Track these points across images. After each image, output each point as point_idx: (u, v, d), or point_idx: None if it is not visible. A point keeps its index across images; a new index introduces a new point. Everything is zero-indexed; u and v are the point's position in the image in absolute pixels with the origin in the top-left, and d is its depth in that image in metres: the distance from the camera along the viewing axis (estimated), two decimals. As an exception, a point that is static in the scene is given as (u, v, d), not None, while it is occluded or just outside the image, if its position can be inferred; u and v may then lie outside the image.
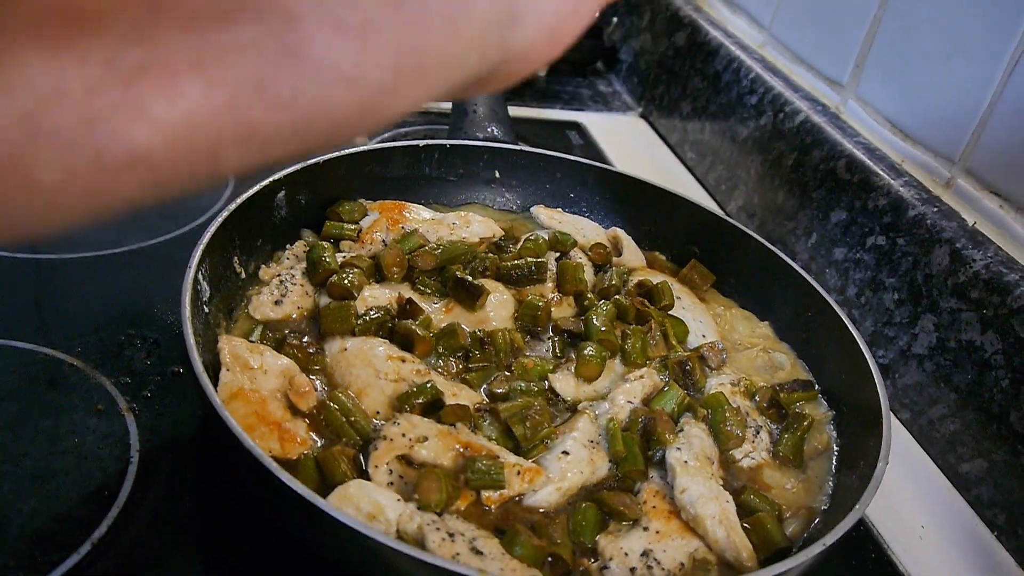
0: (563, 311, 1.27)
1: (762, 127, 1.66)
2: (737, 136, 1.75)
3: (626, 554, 0.90)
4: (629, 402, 1.09)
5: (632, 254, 1.41)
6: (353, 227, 1.32)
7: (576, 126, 2.04)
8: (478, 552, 0.85)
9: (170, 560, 0.92)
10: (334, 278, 1.17)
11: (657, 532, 0.93)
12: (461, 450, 0.96)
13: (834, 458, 1.11)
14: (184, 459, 1.03)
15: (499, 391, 1.09)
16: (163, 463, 1.00)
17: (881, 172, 1.37)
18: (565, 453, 1.00)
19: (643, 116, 2.16)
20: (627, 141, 2.00)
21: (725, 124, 1.80)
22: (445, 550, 0.84)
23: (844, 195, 1.43)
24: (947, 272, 1.22)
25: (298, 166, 1.28)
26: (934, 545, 1.11)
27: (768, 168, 1.64)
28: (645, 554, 0.91)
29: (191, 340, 0.93)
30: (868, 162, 1.40)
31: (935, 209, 1.28)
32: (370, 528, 0.76)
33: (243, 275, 1.20)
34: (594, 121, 2.06)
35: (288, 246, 1.28)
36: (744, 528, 0.95)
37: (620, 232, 1.43)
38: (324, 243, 1.25)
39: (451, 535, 0.86)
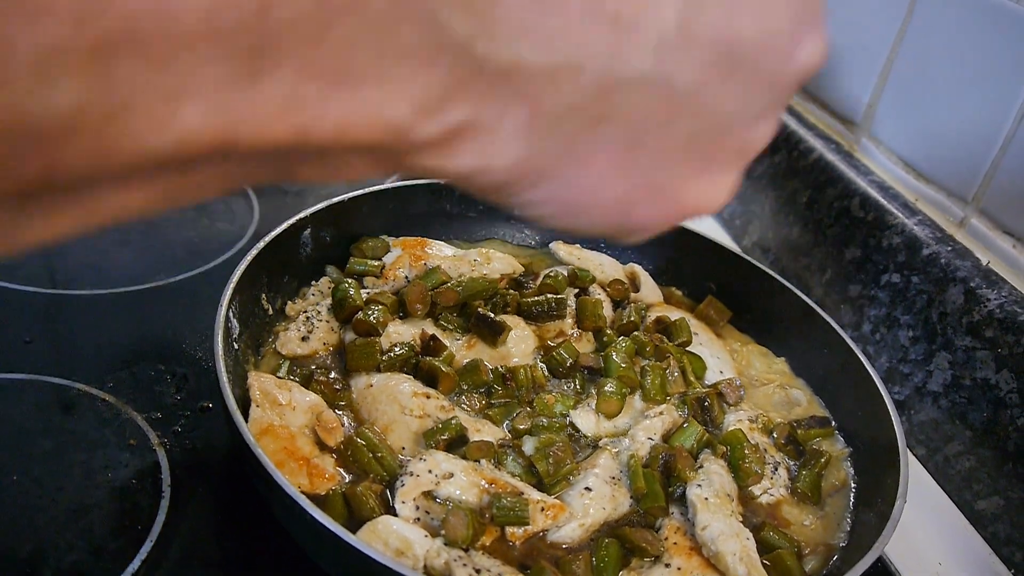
0: (583, 347, 1.29)
1: (776, 164, 1.69)
2: (753, 172, 1.78)
3: (648, 591, 0.92)
4: (649, 439, 1.11)
5: (650, 290, 1.43)
6: (376, 263, 1.34)
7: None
8: (504, 588, 0.87)
9: (201, 594, 0.93)
10: (360, 315, 1.19)
11: (679, 569, 0.95)
12: (486, 486, 0.98)
13: (852, 494, 1.13)
14: (214, 493, 1.05)
15: (521, 427, 1.11)
16: (194, 497, 1.03)
17: (895, 210, 1.40)
18: (588, 489, 1.02)
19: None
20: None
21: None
22: (472, 586, 0.86)
23: (858, 232, 1.45)
24: (961, 311, 1.24)
25: (323, 204, 1.31)
26: (951, 582, 1.12)
27: (783, 204, 1.66)
28: (667, 591, 0.92)
29: (224, 378, 0.96)
30: (882, 200, 1.43)
31: (949, 248, 1.30)
32: (400, 564, 0.79)
33: (270, 311, 1.23)
34: (609, 156, 2.09)
35: (313, 282, 1.31)
36: (764, 565, 0.97)
37: (637, 268, 1.46)
38: (349, 280, 1.27)
39: (478, 571, 0.88)
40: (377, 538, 0.90)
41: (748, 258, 1.40)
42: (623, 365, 1.20)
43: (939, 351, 1.28)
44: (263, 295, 1.21)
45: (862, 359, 1.20)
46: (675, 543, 0.98)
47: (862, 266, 1.44)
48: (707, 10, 0.36)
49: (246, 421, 1.01)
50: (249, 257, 1.16)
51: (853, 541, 1.04)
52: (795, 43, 0.39)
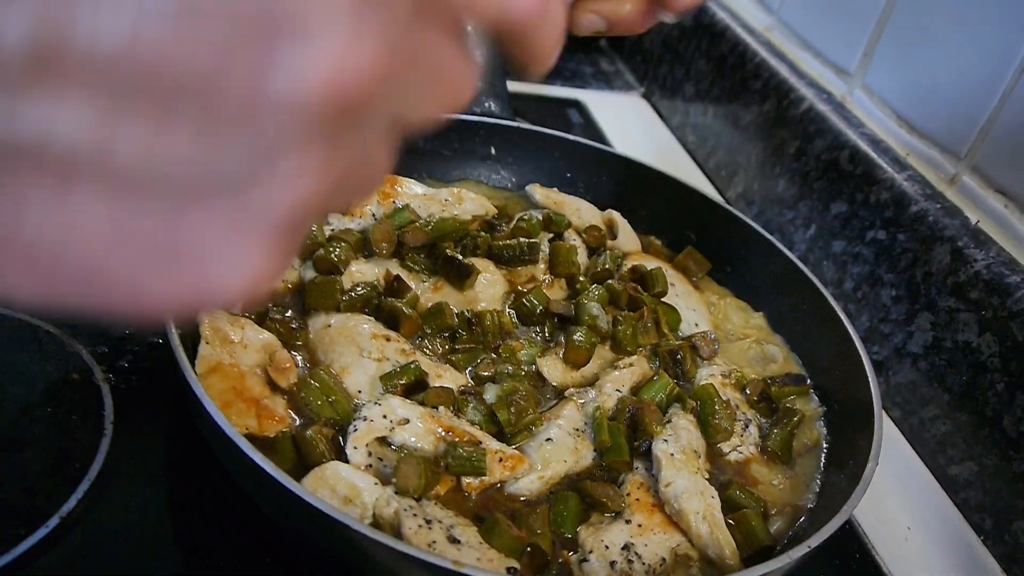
0: (554, 294, 1.24)
1: (765, 113, 1.63)
2: (740, 121, 1.72)
3: (607, 547, 0.88)
4: (617, 390, 1.07)
5: (627, 238, 1.38)
6: (343, 200, 1.28)
7: (576, 104, 2.00)
8: (455, 540, 0.83)
9: (142, 538, 0.89)
10: (320, 252, 1.14)
11: (639, 525, 0.91)
12: (443, 434, 0.94)
13: (823, 455, 1.09)
14: (160, 433, 1.00)
15: (485, 374, 1.07)
16: (138, 437, 0.98)
17: (885, 165, 1.35)
18: (549, 441, 0.98)
19: (645, 96, 2.12)
20: (628, 122, 1.97)
21: (728, 108, 1.77)
22: (421, 538, 0.82)
23: (846, 187, 1.40)
24: (947, 271, 1.20)
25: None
26: (919, 547, 1.10)
27: (770, 155, 1.61)
28: (626, 547, 0.89)
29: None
30: (872, 154, 1.37)
31: (938, 206, 1.25)
32: (344, 514, 0.74)
33: (228, 245, 1.17)
34: (595, 100, 2.02)
35: (275, 217, 1.24)
36: (728, 524, 0.94)
37: (616, 215, 1.40)
38: (312, 215, 1.21)
39: (428, 522, 0.84)
40: (324, 485, 0.86)
41: (731, 209, 1.35)
42: (595, 313, 1.15)
43: (921, 311, 1.24)
44: (220, 228, 1.15)
45: (842, 317, 1.16)
46: (637, 499, 0.95)
47: (848, 221, 1.39)
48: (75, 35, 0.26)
49: (195, 359, 0.96)
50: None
51: (821, 503, 1.01)
52: (257, 60, 0.28)
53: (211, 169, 0.30)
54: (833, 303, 1.18)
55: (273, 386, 0.99)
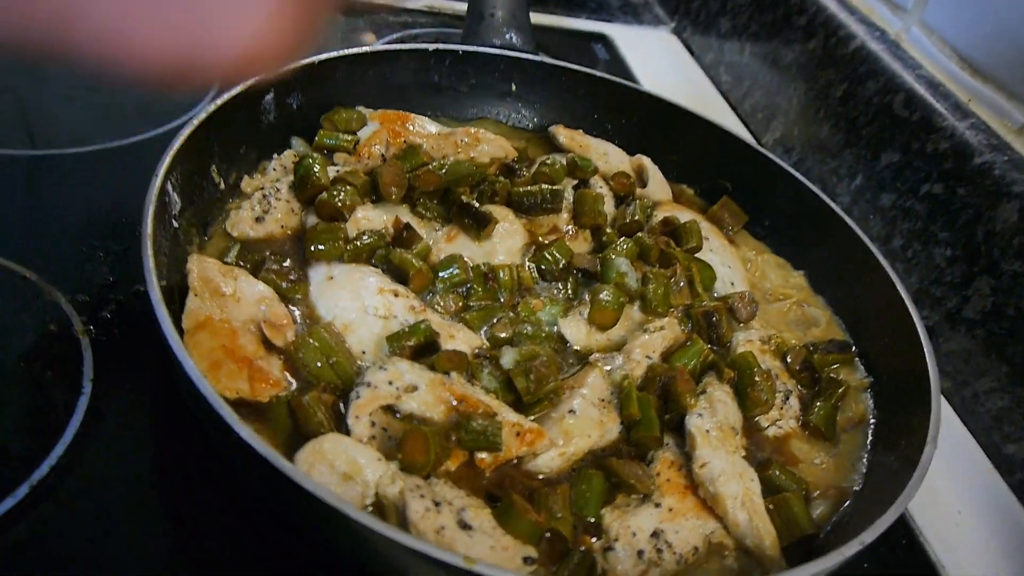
0: (578, 246, 1.14)
1: (810, 52, 1.50)
2: (780, 60, 1.58)
3: (634, 534, 0.79)
4: (647, 357, 0.97)
5: (658, 186, 1.27)
6: (350, 138, 1.17)
7: (603, 39, 1.87)
8: (466, 526, 0.74)
9: (123, 509, 0.81)
10: (324, 195, 1.03)
11: (670, 510, 0.83)
12: (455, 403, 0.84)
13: (870, 432, 1.00)
14: (142, 394, 0.91)
15: (502, 335, 0.97)
16: (119, 397, 0.89)
17: (944, 111, 1.22)
18: (572, 412, 0.89)
19: (676, 32, 1.98)
20: (657, 59, 1.84)
21: (768, 46, 1.63)
22: (428, 522, 0.73)
23: (899, 134, 1.28)
24: (1014, 230, 1.08)
25: (292, 65, 1.13)
26: (971, 533, 1.01)
27: (813, 98, 1.48)
28: (655, 535, 0.80)
29: (150, 261, 0.81)
30: (930, 99, 1.25)
31: (1005, 158, 1.13)
32: (344, 502, 0.65)
33: (222, 186, 1.07)
34: (623, 35, 1.89)
35: (276, 155, 1.14)
36: (768, 509, 0.85)
37: (646, 161, 1.29)
38: (316, 154, 1.11)
39: (437, 504, 0.75)
40: (322, 459, 0.77)
41: (771, 156, 1.24)
42: (623, 270, 1.05)
43: (981, 274, 1.13)
44: (213, 166, 1.05)
45: (893, 278, 1.06)
46: (668, 480, 0.85)
47: (899, 173, 1.28)
48: None
49: (183, 312, 0.87)
50: (197, 120, 0.99)
51: (868, 486, 0.92)
52: None
53: None
54: (883, 261, 1.08)
55: (268, 345, 0.90)
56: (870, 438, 0.99)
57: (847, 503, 0.91)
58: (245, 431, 0.69)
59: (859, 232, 1.12)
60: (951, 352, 1.17)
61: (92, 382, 0.89)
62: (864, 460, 0.96)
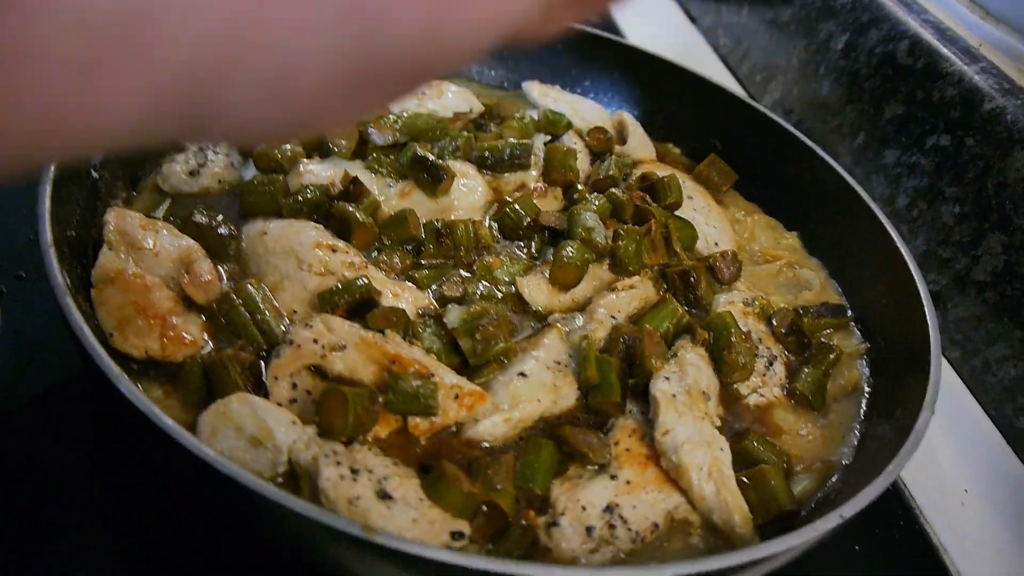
0: (548, 204, 1.04)
1: (809, 4, 1.40)
2: (779, 16, 1.48)
3: (583, 508, 0.70)
4: (612, 317, 0.87)
5: (640, 143, 1.17)
6: (302, 91, 1.09)
7: (594, 3, 1.77)
8: (386, 496, 0.66)
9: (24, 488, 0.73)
10: (262, 146, 0.95)
11: (628, 482, 0.73)
12: (388, 364, 0.75)
13: (864, 401, 0.90)
14: (55, 362, 0.83)
15: (452, 294, 0.88)
16: (28, 364, 0.81)
17: (952, 56, 1.12)
18: (522, 375, 0.79)
19: (674, -3, 1.88)
20: (652, 23, 1.73)
21: (767, 3, 1.53)
22: (341, 491, 0.65)
23: (903, 84, 1.18)
24: (1027, 180, 0.98)
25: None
26: (977, 513, 0.91)
27: (813, 54, 1.38)
28: (609, 509, 0.70)
29: (46, 203, 0.73)
30: (936, 44, 1.14)
31: (1018, 102, 1.03)
32: (224, 461, 0.57)
33: (158, 139, 0.98)
34: None
35: (221, 109, 1.05)
36: (741, 483, 0.75)
37: (627, 116, 1.19)
38: (260, 106, 1.02)
39: (355, 472, 0.66)
40: (227, 422, 0.69)
41: (762, 109, 1.14)
42: (590, 225, 0.95)
43: (991, 231, 1.02)
44: (147, 117, 0.97)
45: (895, 238, 0.96)
46: (627, 449, 0.76)
47: (903, 126, 1.17)
48: None
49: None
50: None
51: (859, 459, 0.82)
52: None
53: None
54: (885, 221, 0.98)
55: (189, 303, 0.81)
56: (864, 408, 0.89)
57: (834, 478, 0.81)
58: (124, 384, 0.60)
59: (859, 188, 1.03)
60: (960, 319, 1.06)
61: (-3, 339, 0.81)
62: (856, 432, 0.86)
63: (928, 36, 1.15)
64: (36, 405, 0.79)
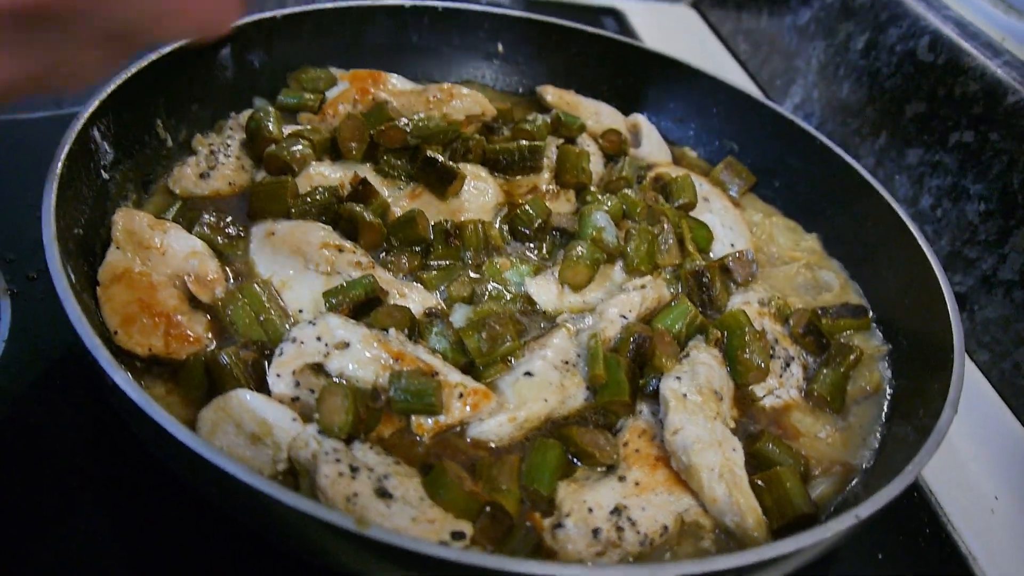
0: (560, 206, 1.03)
1: (828, 6, 1.38)
2: (799, 19, 1.46)
3: (590, 509, 0.68)
4: (623, 316, 0.85)
5: (654, 146, 1.16)
6: (314, 96, 1.09)
7: (613, 12, 1.76)
8: (385, 495, 0.64)
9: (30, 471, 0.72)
10: (272, 148, 0.95)
11: (637, 484, 0.71)
12: (391, 362, 0.74)
13: (885, 404, 0.87)
14: (62, 360, 0.83)
15: (460, 294, 0.87)
16: (35, 361, 0.81)
17: (974, 51, 1.09)
18: (528, 375, 0.78)
19: (694, 6, 1.87)
20: (673, 33, 1.72)
21: (786, 6, 1.51)
22: (339, 489, 0.63)
23: (925, 81, 1.15)
24: (1054, 175, 0.95)
25: (248, 19, 1.05)
26: (1009, 521, 0.87)
27: (833, 55, 1.36)
28: (616, 511, 0.68)
29: (52, 197, 0.73)
30: (958, 39, 1.12)
31: (1044, 96, 0.99)
32: (219, 454, 0.56)
33: (169, 142, 0.99)
34: (636, 9, 1.78)
35: (233, 114, 1.06)
36: (756, 486, 0.72)
37: (641, 119, 1.18)
38: (271, 108, 1.02)
39: (354, 469, 0.65)
40: (227, 418, 0.68)
41: (780, 110, 1.12)
42: (600, 224, 0.93)
43: (1018, 227, 0.99)
44: (159, 121, 0.97)
45: (916, 235, 0.93)
46: (636, 450, 0.74)
47: (926, 124, 1.14)
48: None
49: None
50: (134, 69, 0.91)
51: (881, 462, 0.79)
52: None
53: None
54: (908, 222, 0.95)
55: (195, 302, 0.81)
56: (885, 410, 0.86)
57: (854, 481, 0.78)
58: (120, 376, 0.60)
59: (880, 187, 1.00)
60: (988, 320, 1.03)
61: (5, 343, 0.81)
62: (877, 434, 0.83)
63: (949, 31, 1.13)
64: (44, 402, 0.79)
